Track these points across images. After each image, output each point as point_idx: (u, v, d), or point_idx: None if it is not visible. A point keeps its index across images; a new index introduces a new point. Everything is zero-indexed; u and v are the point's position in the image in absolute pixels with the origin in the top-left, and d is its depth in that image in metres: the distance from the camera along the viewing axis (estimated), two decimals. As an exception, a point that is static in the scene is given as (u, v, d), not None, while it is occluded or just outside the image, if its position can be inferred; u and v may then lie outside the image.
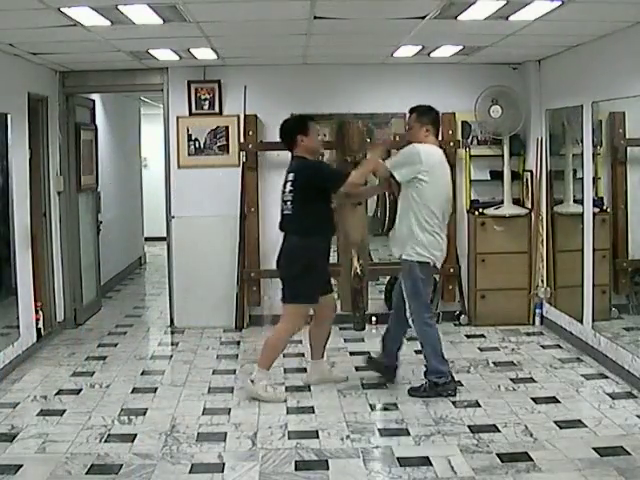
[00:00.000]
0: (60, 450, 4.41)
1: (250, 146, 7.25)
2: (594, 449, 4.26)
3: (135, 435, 4.65)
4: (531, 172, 7.18)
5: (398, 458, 4.26)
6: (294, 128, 5.45)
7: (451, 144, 7.23)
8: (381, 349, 5.62)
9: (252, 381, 5.29)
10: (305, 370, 5.99)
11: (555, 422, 4.71)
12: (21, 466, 4.17)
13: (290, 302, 5.34)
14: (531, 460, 4.15)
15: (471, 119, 7.33)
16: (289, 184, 5.34)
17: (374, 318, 7.37)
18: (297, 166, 5.41)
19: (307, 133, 5.38)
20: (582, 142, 6.18)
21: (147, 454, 4.34)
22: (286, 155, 7.55)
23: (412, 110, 5.43)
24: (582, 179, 6.23)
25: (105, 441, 4.56)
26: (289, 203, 5.31)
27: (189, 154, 7.37)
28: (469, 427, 4.68)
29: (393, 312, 5.55)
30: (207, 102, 7.34)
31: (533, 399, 5.17)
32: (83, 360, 6.35)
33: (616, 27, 5.32)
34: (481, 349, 6.50)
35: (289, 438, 4.57)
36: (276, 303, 7.47)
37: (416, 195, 5.17)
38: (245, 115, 7.26)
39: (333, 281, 7.61)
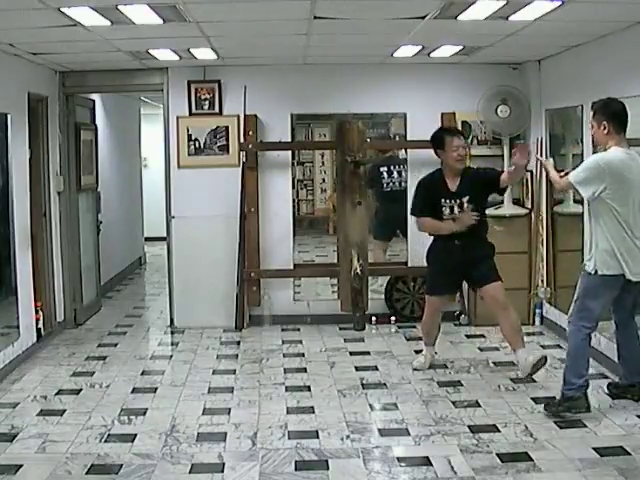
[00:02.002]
0: (60, 450, 4.41)
1: (250, 146, 7.25)
2: (594, 449, 4.26)
3: (135, 435, 4.65)
4: (531, 172, 7.18)
5: (398, 458, 4.27)
6: (433, 142, 5.74)
7: (451, 144, 7.24)
8: (623, 371, 5.15)
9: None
10: (305, 370, 6.00)
11: (555, 422, 4.71)
12: (21, 466, 4.17)
13: None
14: (531, 460, 4.16)
15: (471, 119, 7.33)
16: None
17: (374, 318, 7.38)
18: None
19: (443, 147, 5.61)
20: (582, 142, 6.18)
21: (147, 454, 4.34)
22: (286, 155, 7.62)
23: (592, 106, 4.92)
24: (582, 179, 6.21)
25: (105, 441, 4.56)
26: None
27: (189, 154, 7.37)
28: (469, 427, 4.68)
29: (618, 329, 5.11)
30: (207, 102, 7.34)
31: (533, 399, 5.17)
32: (83, 360, 6.35)
33: (616, 27, 5.32)
34: (481, 349, 6.51)
35: (289, 438, 4.57)
36: (276, 303, 7.54)
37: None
38: (245, 115, 7.26)
39: (334, 281, 7.70)
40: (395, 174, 8.18)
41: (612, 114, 4.68)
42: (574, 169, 4.96)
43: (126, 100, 10.37)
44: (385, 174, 8.17)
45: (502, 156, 7.27)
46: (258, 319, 7.49)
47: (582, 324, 4.84)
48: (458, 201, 5.56)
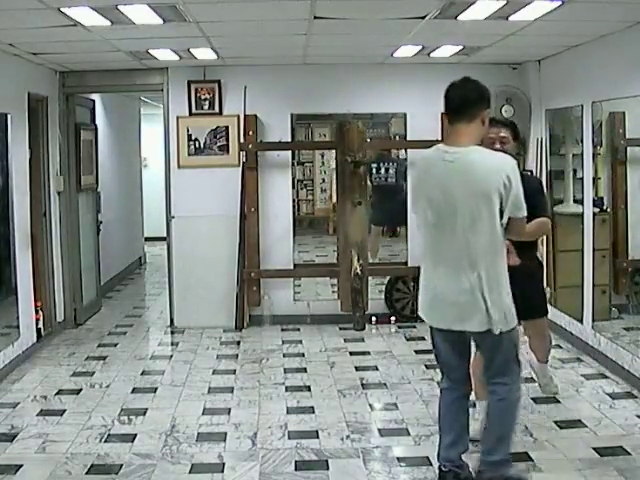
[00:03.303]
0: (60, 450, 4.41)
1: (250, 146, 7.25)
2: (594, 449, 4.26)
3: (135, 435, 4.65)
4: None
5: (398, 458, 4.27)
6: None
7: (451, 144, 7.24)
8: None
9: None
10: (305, 370, 6.00)
11: (555, 422, 4.71)
12: (21, 466, 4.17)
13: None
14: (531, 460, 4.15)
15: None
16: None
17: (374, 318, 7.38)
18: None
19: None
20: (582, 142, 6.18)
21: (147, 454, 4.34)
22: (286, 155, 7.62)
23: None
24: (582, 179, 6.23)
25: (105, 441, 4.56)
26: None
27: (189, 154, 7.37)
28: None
29: None
30: (207, 102, 7.34)
31: (533, 399, 5.16)
32: (83, 360, 6.35)
33: (616, 27, 5.31)
34: (481, 349, 6.50)
35: (289, 438, 4.57)
36: (276, 303, 7.53)
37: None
38: (245, 115, 7.26)
39: (334, 281, 7.71)
40: (383, 170, 8.60)
41: (447, 105, 3.60)
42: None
43: (126, 100, 10.37)
44: (380, 170, 8.63)
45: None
46: (258, 319, 7.49)
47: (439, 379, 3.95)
48: None
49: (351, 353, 6.51)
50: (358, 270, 7.05)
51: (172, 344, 7.04)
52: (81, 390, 5.56)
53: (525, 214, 3.54)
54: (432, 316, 3.67)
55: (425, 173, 3.68)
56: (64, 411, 5.09)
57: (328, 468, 4.14)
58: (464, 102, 3.56)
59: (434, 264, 3.60)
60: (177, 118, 7.35)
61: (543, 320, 4.63)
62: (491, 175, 3.45)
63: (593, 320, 6.06)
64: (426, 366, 6.00)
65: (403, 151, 7.99)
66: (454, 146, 3.54)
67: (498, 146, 4.28)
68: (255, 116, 7.27)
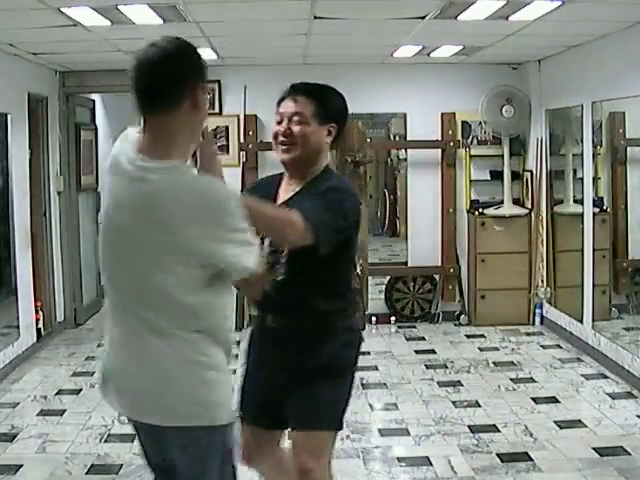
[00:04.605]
0: (60, 450, 4.41)
1: (250, 146, 7.25)
2: (594, 449, 4.26)
3: (135, 435, 4.63)
4: (531, 172, 7.19)
5: (398, 458, 4.27)
6: None
7: (451, 144, 7.25)
8: None
9: None
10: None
11: (555, 422, 4.71)
12: (21, 466, 4.17)
13: None
14: (531, 460, 4.16)
15: (471, 119, 7.33)
16: None
17: (374, 318, 7.37)
18: None
19: None
20: (582, 142, 6.18)
21: (147, 454, 4.34)
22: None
23: None
24: (582, 179, 6.23)
25: (105, 441, 4.56)
26: None
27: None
28: (469, 427, 4.68)
29: None
30: (207, 102, 7.33)
31: (533, 399, 5.17)
32: (83, 360, 6.35)
33: (616, 27, 5.31)
34: (481, 349, 6.50)
35: (289, 438, 4.55)
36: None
37: None
38: (245, 115, 7.26)
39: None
40: None
41: None
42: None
43: (126, 100, 10.32)
44: None
45: (502, 156, 7.27)
46: (258, 319, 7.47)
47: None
48: None
49: (351, 353, 6.50)
50: (358, 270, 7.05)
51: (172, 344, 7.03)
52: (81, 390, 5.56)
53: (247, 274, 2.25)
54: (111, 399, 2.41)
55: (107, 182, 2.30)
56: (64, 411, 5.09)
57: (328, 468, 4.13)
58: (154, 79, 2.25)
59: (110, 325, 2.30)
60: (177, 118, 7.34)
61: (326, 436, 2.79)
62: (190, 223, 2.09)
63: (593, 320, 6.06)
64: (426, 366, 6.01)
65: (403, 151, 7.97)
66: (151, 156, 2.20)
67: (286, 128, 2.82)
68: (255, 116, 7.27)
